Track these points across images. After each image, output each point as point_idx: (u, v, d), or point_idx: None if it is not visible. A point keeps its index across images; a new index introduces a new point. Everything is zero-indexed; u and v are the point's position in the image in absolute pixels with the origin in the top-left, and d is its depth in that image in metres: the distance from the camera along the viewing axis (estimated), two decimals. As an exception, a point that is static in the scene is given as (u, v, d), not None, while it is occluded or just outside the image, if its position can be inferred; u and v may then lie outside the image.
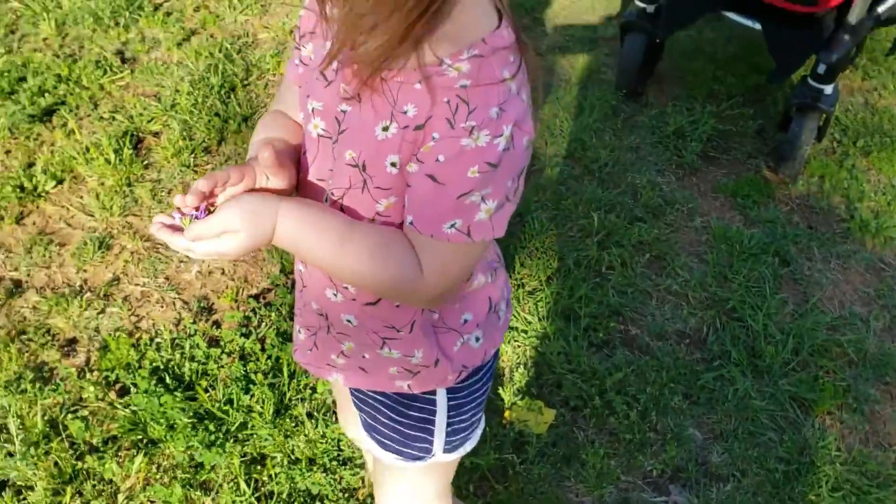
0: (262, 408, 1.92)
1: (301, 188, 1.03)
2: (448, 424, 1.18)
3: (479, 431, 1.27)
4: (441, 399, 1.15)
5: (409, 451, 1.21)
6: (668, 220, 2.51)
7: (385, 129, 0.88)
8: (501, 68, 0.84)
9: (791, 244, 2.43)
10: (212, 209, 0.94)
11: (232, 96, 2.87)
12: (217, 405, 1.93)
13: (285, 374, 1.99)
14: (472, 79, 0.83)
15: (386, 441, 1.22)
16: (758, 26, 2.59)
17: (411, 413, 1.17)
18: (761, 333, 2.15)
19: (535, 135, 0.89)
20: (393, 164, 0.89)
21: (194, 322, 2.14)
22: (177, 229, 0.93)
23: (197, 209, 0.93)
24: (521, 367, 2.06)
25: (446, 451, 1.22)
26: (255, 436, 1.88)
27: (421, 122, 0.85)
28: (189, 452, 1.85)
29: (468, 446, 1.25)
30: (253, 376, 1.98)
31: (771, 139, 2.78)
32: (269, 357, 2.03)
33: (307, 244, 0.94)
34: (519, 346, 2.12)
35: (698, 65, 3.11)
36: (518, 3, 3.48)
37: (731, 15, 2.67)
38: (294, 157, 1.04)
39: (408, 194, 0.91)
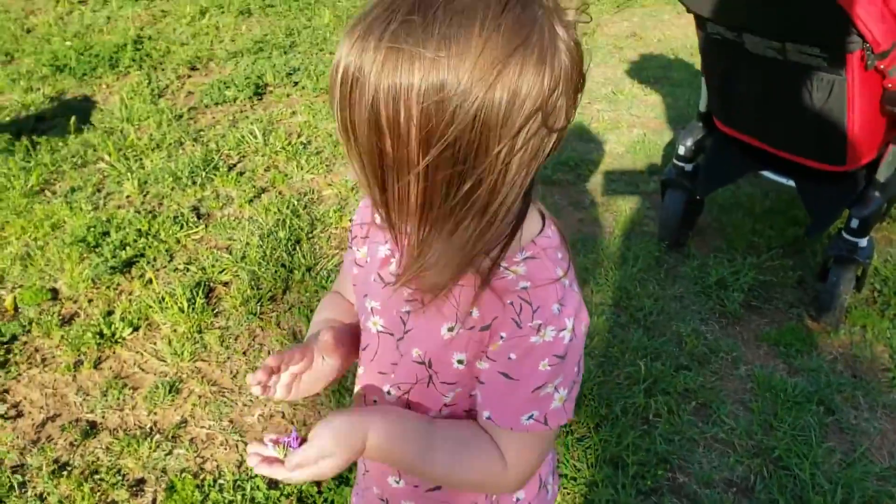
0: (318, 550, 1.98)
1: (361, 379, 1.11)
2: None
3: None
4: None
5: None
6: (713, 368, 2.57)
7: (451, 329, 0.94)
8: (554, 267, 0.93)
9: (836, 393, 2.46)
10: (303, 436, 0.98)
11: (297, 248, 3.08)
12: (275, 547, 2.00)
13: (341, 516, 2.06)
14: (531, 280, 0.91)
15: None
16: (792, 183, 2.74)
17: None
18: (809, 483, 2.17)
19: (588, 319, 0.96)
20: (460, 362, 0.96)
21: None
22: (273, 460, 0.97)
23: (288, 437, 0.98)
24: (571, 513, 2.10)
25: None
26: (311, 578, 1.94)
27: (487, 323, 0.92)
28: None
29: None
30: (310, 519, 2.05)
31: (811, 289, 2.86)
32: (326, 500, 2.11)
33: (395, 457, 0.99)
34: (568, 494, 2.16)
35: (738, 218, 3.25)
36: (563, 160, 3.71)
37: (767, 174, 2.83)
38: (349, 339, 1.12)
39: (481, 391, 0.97)
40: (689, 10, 2.64)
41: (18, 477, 2.19)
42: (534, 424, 0.94)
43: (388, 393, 1.06)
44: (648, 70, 4.80)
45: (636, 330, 2.72)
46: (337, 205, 3.39)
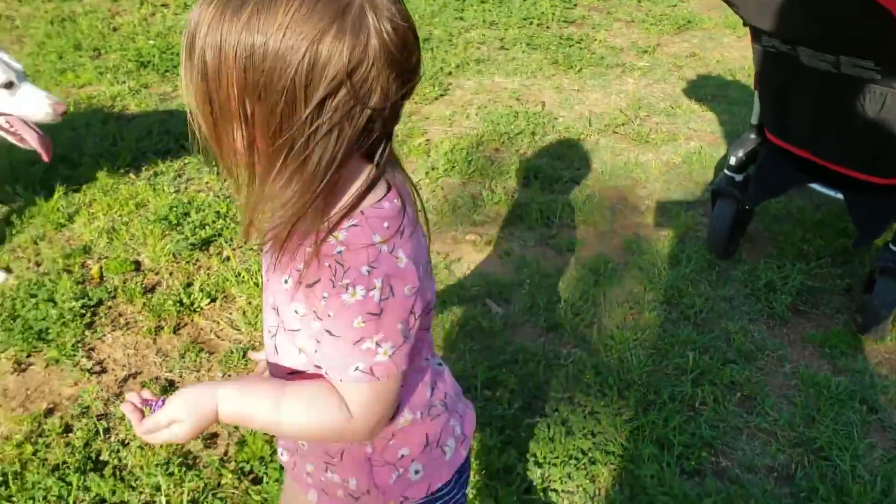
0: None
1: None
2: None
3: None
4: None
5: None
6: (759, 364, 2.67)
7: (286, 281, 1.07)
8: (372, 233, 1.02)
9: (880, 394, 2.54)
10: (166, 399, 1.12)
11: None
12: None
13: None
14: (346, 244, 1.00)
15: None
16: (840, 196, 2.83)
17: None
18: (849, 473, 2.25)
19: (418, 283, 1.05)
20: (296, 311, 1.07)
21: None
22: (139, 414, 1.12)
23: (156, 401, 1.12)
24: (617, 486, 2.22)
25: None
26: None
27: (311, 282, 1.02)
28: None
29: None
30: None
31: (858, 297, 2.94)
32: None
33: (248, 418, 1.11)
34: (615, 469, 2.28)
35: (788, 228, 3.35)
36: (620, 166, 3.85)
37: (816, 186, 2.92)
38: None
39: (318, 348, 1.07)
40: (745, 24, 2.76)
41: (104, 423, 2.38)
42: (362, 376, 1.04)
43: (267, 337, 1.19)
44: (706, 88, 4.91)
45: (686, 325, 2.83)
46: (401, 199, 3.56)
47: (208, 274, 3.02)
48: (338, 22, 0.93)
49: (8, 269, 2.98)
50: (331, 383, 1.09)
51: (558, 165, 3.90)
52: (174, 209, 3.34)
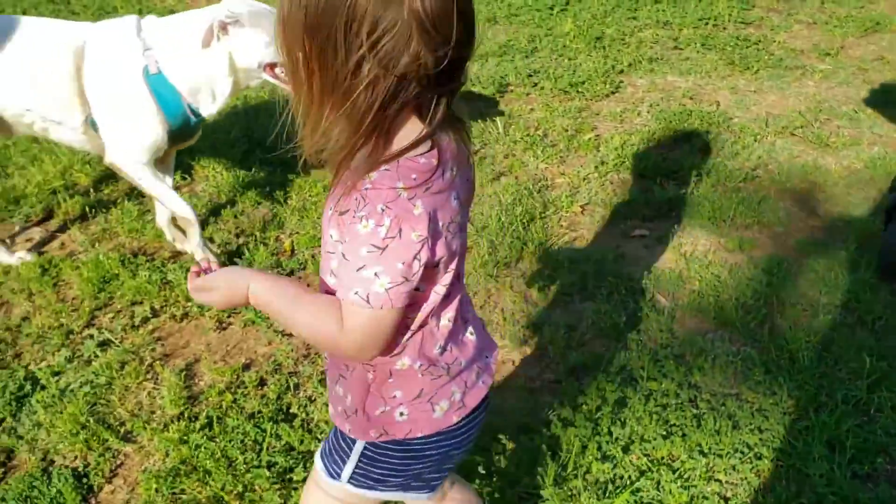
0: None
1: None
2: (357, 466, 1.45)
3: (403, 494, 1.51)
4: (357, 444, 1.43)
5: (327, 464, 1.50)
6: (945, 375, 2.55)
7: (330, 208, 1.21)
8: (398, 180, 1.13)
9: None
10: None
11: (531, 225, 3.35)
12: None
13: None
14: (374, 183, 1.13)
15: (322, 447, 1.53)
16: None
17: (338, 434, 1.47)
18: None
19: (427, 234, 1.14)
20: (331, 236, 1.22)
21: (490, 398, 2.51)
22: (195, 277, 1.35)
23: (209, 269, 1.35)
24: (784, 481, 2.20)
25: (351, 483, 1.47)
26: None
27: (343, 210, 1.15)
28: None
29: (380, 494, 1.49)
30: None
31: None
32: (552, 437, 2.34)
33: (268, 305, 1.28)
34: (782, 466, 2.25)
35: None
36: (798, 167, 3.74)
37: None
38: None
39: (335, 269, 1.24)
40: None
41: (294, 379, 2.60)
42: (359, 300, 1.16)
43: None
44: (894, 93, 4.66)
45: (863, 331, 2.74)
46: (568, 191, 3.63)
47: (386, 253, 3.21)
48: None
49: (210, 239, 3.29)
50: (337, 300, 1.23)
51: (731, 165, 3.84)
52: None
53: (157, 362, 2.67)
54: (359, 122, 1.12)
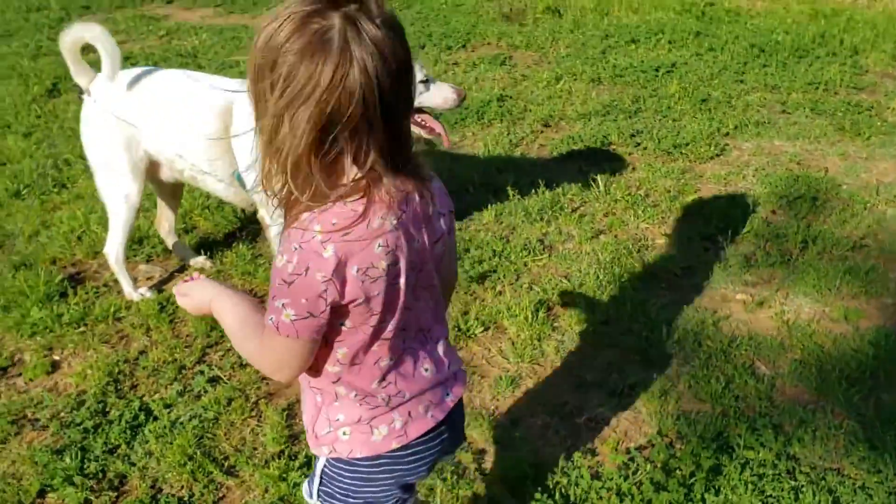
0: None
1: None
2: (322, 483, 1.58)
3: None
4: (319, 462, 1.56)
5: (308, 482, 1.64)
6: None
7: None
8: (316, 224, 1.24)
9: None
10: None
11: (629, 285, 3.36)
12: (595, 525, 2.25)
13: (656, 514, 2.26)
14: (298, 223, 1.26)
15: None
16: None
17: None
18: None
19: (332, 276, 1.24)
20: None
21: (583, 457, 2.51)
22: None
23: (193, 278, 1.58)
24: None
25: (320, 500, 1.61)
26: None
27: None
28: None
29: None
30: (628, 509, 2.28)
31: None
32: (644, 500, 2.33)
33: (222, 319, 1.48)
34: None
35: None
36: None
37: None
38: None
39: None
40: None
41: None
42: (271, 326, 1.31)
43: None
44: None
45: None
46: (669, 253, 3.62)
47: (482, 305, 3.27)
48: (314, 44, 1.16)
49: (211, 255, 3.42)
50: None
51: (839, 233, 3.75)
52: (457, 245, 3.66)
53: (262, 400, 2.79)
54: (291, 172, 1.23)
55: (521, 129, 5.15)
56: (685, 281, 3.45)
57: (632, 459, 2.50)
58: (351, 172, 1.26)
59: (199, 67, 6.35)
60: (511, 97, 5.71)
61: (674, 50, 6.71)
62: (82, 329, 3.15)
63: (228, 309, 1.47)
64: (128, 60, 6.40)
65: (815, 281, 3.36)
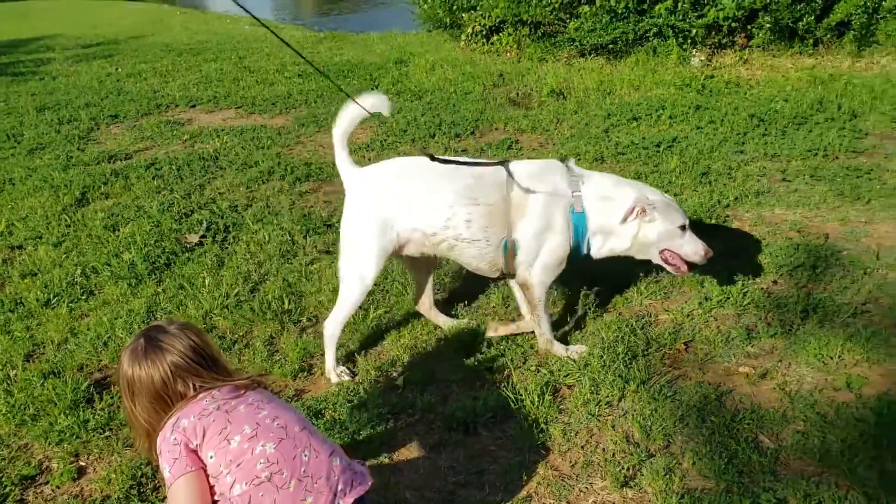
0: None
1: None
2: None
3: None
4: None
5: None
6: None
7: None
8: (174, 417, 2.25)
9: None
10: None
11: (633, 363, 3.44)
12: None
13: None
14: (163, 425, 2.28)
15: None
16: None
17: None
18: None
19: (182, 435, 2.20)
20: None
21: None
22: None
23: None
24: None
25: None
26: None
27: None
28: None
29: None
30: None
31: None
32: None
33: None
34: None
35: None
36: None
37: None
38: None
39: None
40: None
41: (401, 516, 2.74)
42: (168, 476, 2.17)
43: None
44: None
45: (981, 476, 2.64)
46: (672, 328, 3.71)
47: (490, 390, 3.37)
48: (131, 354, 2.29)
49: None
50: None
51: (840, 299, 3.82)
52: (464, 330, 3.79)
53: None
54: (145, 424, 2.33)
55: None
56: (689, 356, 3.53)
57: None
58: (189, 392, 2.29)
59: (221, 169, 6.63)
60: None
61: (675, 125, 6.90)
62: (107, 434, 3.29)
63: None
64: (152, 167, 6.72)
65: (816, 350, 3.42)
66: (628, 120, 7.14)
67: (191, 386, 2.26)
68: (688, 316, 3.83)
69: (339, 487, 2.22)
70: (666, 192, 5.31)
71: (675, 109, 7.19)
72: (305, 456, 2.20)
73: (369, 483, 2.32)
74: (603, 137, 6.71)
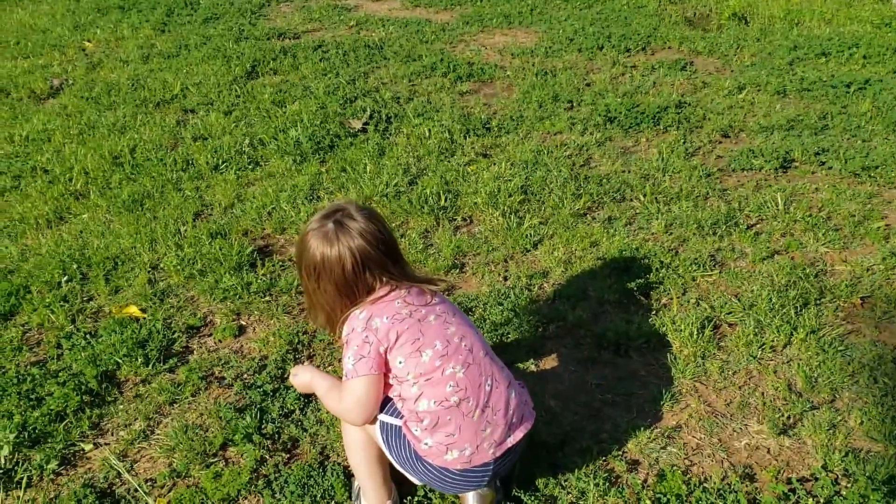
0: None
1: None
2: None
3: (407, 475, 2.29)
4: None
5: None
6: None
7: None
8: (359, 312, 2.17)
9: None
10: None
11: (804, 311, 3.24)
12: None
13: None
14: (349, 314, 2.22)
15: None
16: None
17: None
18: None
19: (364, 327, 2.14)
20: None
21: (741, 481, 2.48)
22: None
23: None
24: None
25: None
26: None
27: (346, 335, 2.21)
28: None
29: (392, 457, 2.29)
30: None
31: None
32: None
33: (317, 391, 2.31)
34: None
35: None
36: None
37: None
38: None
39: None
40: None
41: (545, 424, 2.73)
42: (344, 377, 2.16)
43: None
44: None
45: None
46: (849, 280, 3.46)
47: (647, 318, 3.26)
48: (322, 237, 2.16)
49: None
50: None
51: None
52: (623, 252, 3.67)
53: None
54: (327, 306, 2.24)
55: (698, 137, 5.04)
56: (865, 312, 3.29)
57: (793, 491, 2.43)
58: (375, 285, 2.21)
59: (385, 59, 6.62)
60: (690, 104, 5.60)
61: (868, 66, 6.34)
62: (267, 298, 3.41)
63: (318, 383, 2.31)
64: (319, 48, 6.77)
65: None
66: (816, 55, 6.60)
67: (378, 279, 2.19)
68: (868, 270, 3.56)
69: (513, 421, 2.22)
70: (853, 136, 4.93)
71: (870, 49, 6.59)
72: (489, 386, 2.18)
73: (534, 418, 2.31)
74: (787, 70, 6.25)
